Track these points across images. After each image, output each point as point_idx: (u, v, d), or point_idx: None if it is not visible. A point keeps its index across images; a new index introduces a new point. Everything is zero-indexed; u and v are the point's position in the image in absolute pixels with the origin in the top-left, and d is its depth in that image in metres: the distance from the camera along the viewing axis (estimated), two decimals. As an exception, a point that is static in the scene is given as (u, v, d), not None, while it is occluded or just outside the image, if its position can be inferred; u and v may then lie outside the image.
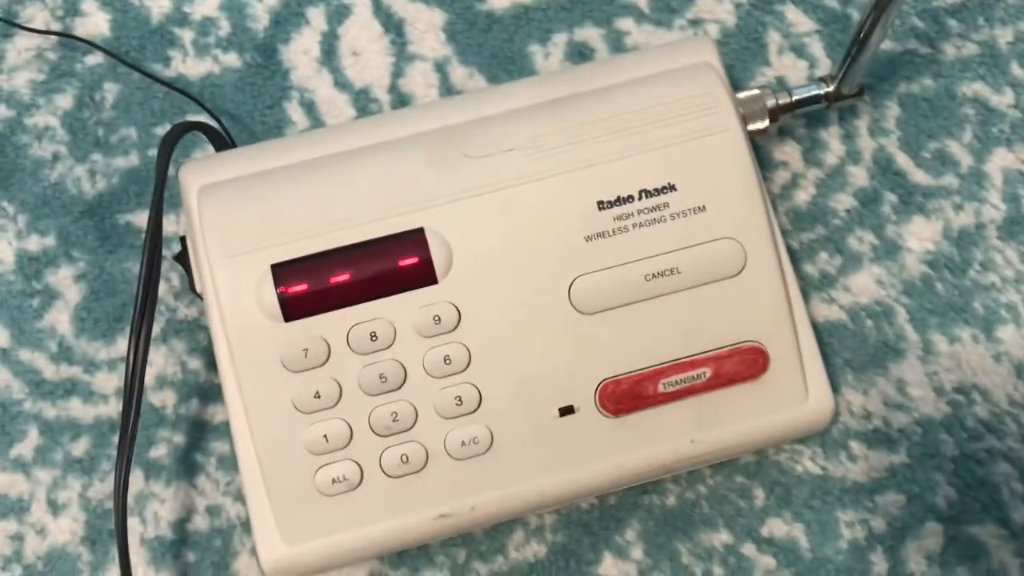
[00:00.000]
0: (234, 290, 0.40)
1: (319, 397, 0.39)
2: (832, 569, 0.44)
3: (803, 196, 0.48)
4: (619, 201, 0.41)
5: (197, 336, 0.46)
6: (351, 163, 0.41)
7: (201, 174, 0.42)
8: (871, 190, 0.48)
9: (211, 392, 0.46)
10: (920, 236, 0.47)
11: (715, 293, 0.41)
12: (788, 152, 0.48)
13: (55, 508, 0.45)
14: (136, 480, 0.45)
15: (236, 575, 0.44)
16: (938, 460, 0.45)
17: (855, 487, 0.45)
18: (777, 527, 0.44)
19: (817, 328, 0.46)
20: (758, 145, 0.47)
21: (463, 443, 0.40)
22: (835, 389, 0.46)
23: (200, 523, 0.44)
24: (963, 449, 0.45)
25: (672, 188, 0.41)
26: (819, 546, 0.44)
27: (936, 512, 0.44)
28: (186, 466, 0.45)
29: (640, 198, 0.41)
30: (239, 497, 0.44)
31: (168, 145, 0.41)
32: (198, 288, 0.42)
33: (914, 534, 0.44)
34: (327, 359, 0.39)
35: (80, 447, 0.45)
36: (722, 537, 0.44)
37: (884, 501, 0.44)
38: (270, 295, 0.39)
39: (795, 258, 0.47)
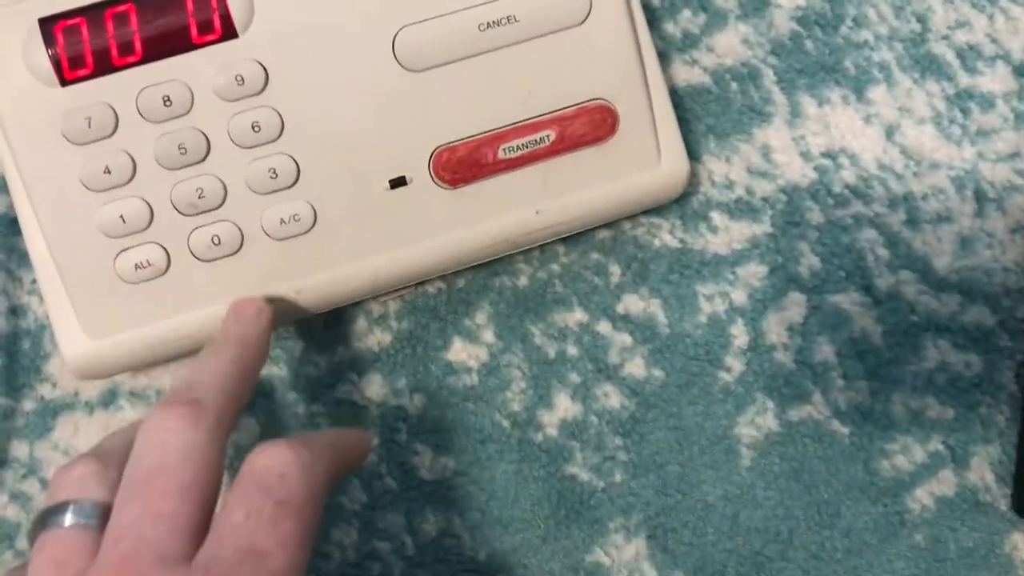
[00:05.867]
0: (-2, 51, 0.34)
1: (110, 173, 0.35)
2: (690, 343, 0.42)
3: (664, -54, 0.43)
4: (446, -61, 0.36)
5: (-15, 120, 0.41)
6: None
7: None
8: (738, -62, 0.43)
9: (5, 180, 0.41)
10: (790, -10, 0.43)
11: (558, 45, 0.37)
12: None
13: None
14: (-72, 282, 0.40)
15: (51, 377, 0.40)
16: (802, 228, 0.43)
17: (715, 259, 0.42)
18: (633, 303, 0.42)
19: (678, 93, 0.43)
20: None
21: (282, 221, 0.36)
22: (696, 158, 0.43)
23: (3, 325, 0.40)
24: (828, 216, 0.43)
25: (506, -77, 0.36)
26: (677, 321, 0.42)
27: (799, 282, 0.42)
28: (-16, 265, 0.40)
29: (469, -65, 0.36)
30: (46, 295, 0.40)
31: None
32: (-32, 57, 0.36)
33: (776, 305, 0.42)
34: (115, 129, 0.35)
35: None
36: (576, 316, 0.42)
37: (745, 273, 0.42)
38: (40, 55, 0.34)
39: (655, 16, 0.43)
